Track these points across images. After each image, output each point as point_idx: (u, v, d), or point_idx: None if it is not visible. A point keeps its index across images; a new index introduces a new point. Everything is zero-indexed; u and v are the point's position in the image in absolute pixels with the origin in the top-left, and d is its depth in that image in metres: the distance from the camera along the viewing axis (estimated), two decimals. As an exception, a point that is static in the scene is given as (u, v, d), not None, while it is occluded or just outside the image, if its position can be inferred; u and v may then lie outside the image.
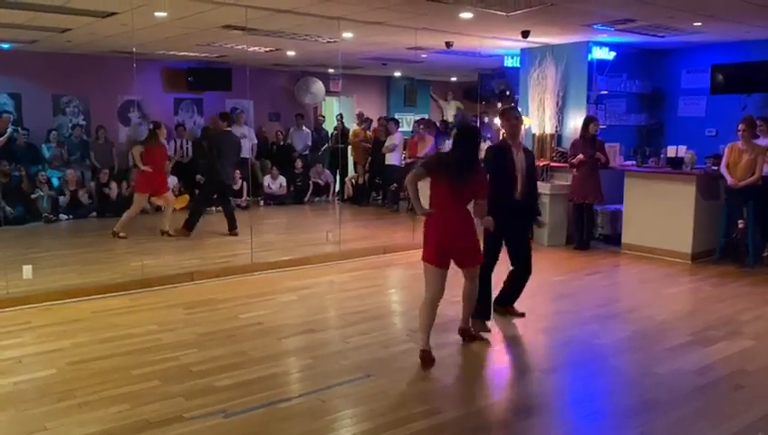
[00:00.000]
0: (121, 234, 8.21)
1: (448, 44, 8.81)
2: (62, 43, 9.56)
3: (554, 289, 6.40)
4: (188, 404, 3.58)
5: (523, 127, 5.19)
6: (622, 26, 7.65)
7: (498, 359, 4.62)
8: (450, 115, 13.39)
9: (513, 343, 4.95)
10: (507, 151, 4.92)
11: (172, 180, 11.15)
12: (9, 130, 10.00)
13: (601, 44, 8.90)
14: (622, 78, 9.30)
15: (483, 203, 4.40)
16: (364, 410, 3.61)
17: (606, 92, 9.20)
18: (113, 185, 10.48)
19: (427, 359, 4.24)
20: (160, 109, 12.05)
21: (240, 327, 4.98)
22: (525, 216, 5.10)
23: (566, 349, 4.70)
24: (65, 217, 9.91)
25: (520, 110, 5.33)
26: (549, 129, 9.14)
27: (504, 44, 9.19)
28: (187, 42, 9.41)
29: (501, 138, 5.48)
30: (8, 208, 9.42)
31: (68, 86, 11.22)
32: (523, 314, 5.34)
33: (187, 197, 10.90)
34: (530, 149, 5.39)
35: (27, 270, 5.99)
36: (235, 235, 8.46)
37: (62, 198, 10.06)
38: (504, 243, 5.05)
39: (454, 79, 14.73)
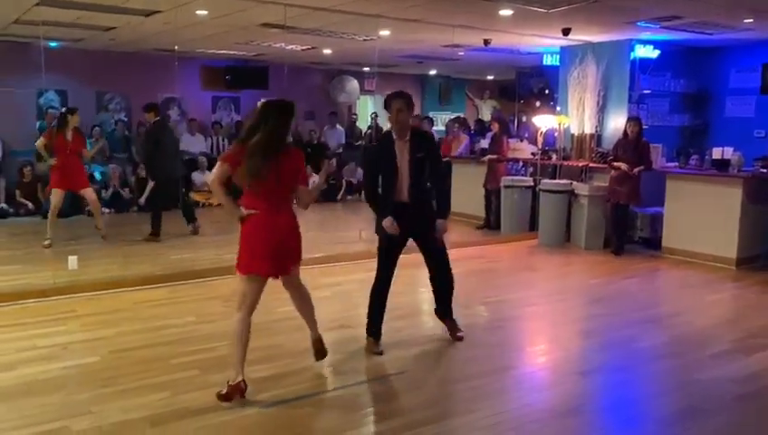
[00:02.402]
0: (46, 242, 7.39)
1: (486, 42, 8.75)
2: (105, 42, 9.80)
3: (590, 292, 6.30)
4: (226, 395, 3.64)
5: (408, 116, 4.30)
6: (667, 24, 7.48)
7: (533, 361, 4.58)
8: (486, 114, 13.31)
9: (548, 345, 4.90)
10: (389, 146, 4.29)
11: (208, 177, 11.34)
12: (54, 124, 10.28)
13: (645, 42, 8.73)
14: (666, 77, 9.11)
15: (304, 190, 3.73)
16: (397, 406, 3.63)
17: (648, 92, 9.03)
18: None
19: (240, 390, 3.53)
20: (199, 106, 12.27)
21: (276, 321, 5.03)
22: (420, 216, 4.38)
23: (603, 352, 4.62)
24: (107, 210, 10.16)
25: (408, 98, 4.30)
26: (588, 129, 9.01)
27: (544, 42, 9.09)
28: (226, 40, 9.55)
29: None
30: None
31: (111, 83, 11.50)
32: (460, 338, 4.66)
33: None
34: (430, 136, 4.71)
35: (73, 261, 6.16)
36: (155, 239, 7.86)
37: (104, 192, 10.31)
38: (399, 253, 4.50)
39: (490, 77, 14.62)
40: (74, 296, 5.53)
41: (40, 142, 7.63)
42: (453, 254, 7.55)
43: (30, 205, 9.76)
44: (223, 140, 12.10)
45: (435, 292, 4.76)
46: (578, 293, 6.32)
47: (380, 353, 4.37)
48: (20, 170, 9.93)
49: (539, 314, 5.62)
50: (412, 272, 6.92)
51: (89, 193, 7.83)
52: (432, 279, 4.70)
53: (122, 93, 11.68)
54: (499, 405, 3.66)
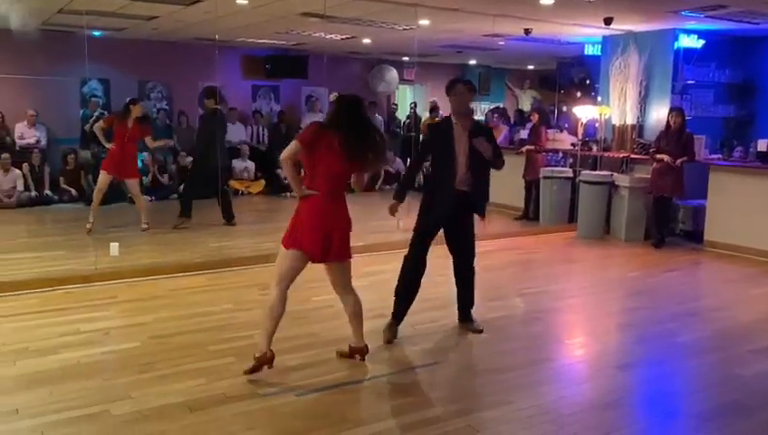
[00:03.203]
0: (88, 226, 7.53)
1: (527, 31, 8.61)
2: (148, 31, 9.96)
3: (630, 285, 6.18)
4: (263, 381, 3.68)
5: (469, 100, 4.35)
6: (712, 13, 7.24)
7: (570, 353, 4.52)
8: (526, 104, 13.13)
9: (586, 337, 4.83)
10: (448, 130, 4.28)
11: (249, 165, 11.50)
12: (97, 113, 10.53)
13: (689, 32, 8.47)
14: (710, 67, 8.83)
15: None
16: (433, 396, 3.62)
17: (692, 82, 8.77)
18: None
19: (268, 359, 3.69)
20: (239, 96, 12.39)
21: (312, 309, 5.08)
22: (467, 207, 4.38)
23: (642, 346, 4.53)
24: (148, 198, 10.36)
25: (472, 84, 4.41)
26: (630, 119, 8.81)
27: (585, 32, 8.90)
28: (267, 29, 9.61)
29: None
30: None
31: (153, 72, 11.69)
32: (480, 331, 4.59)
33: (263, 182, 11.22)
34: (485, 127, 4.65)
35: (114, 247, 6.31)
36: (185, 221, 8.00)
37: (144, 179, 10.53)
38: (444, 239, 4.53)
39: (531, 67, 14.40)
40: (115, 282, 5.67)
41: (98, 125, 7.79)
42: (491, 245, 7.65)
43: (73, 192, 10.02)
44: (263, 129, 12.22)
45: (457, 288, 4.73)
46: (617, 285, 6.20)
47: (389, 341, 4.31)
48: (64, 158, 10.20)
49: (577, 306, 5.54)
50: (449, 262, 6.91)
51: (133, 185, 7.84)
52: (456, 277, 4.66)
53: (164, 82, 11.88)
54: (536, 397, 3.62)
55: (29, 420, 3.20)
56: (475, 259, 4.65)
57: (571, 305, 5.55)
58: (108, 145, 7.64)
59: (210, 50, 11.56)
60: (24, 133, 10.17)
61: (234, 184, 11.06)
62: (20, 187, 9.59)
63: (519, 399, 3.57)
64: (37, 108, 10.22)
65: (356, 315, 3.96)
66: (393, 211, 4.42)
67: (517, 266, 6.89)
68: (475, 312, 5.38)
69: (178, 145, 11.27)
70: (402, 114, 13.59)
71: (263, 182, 11.21)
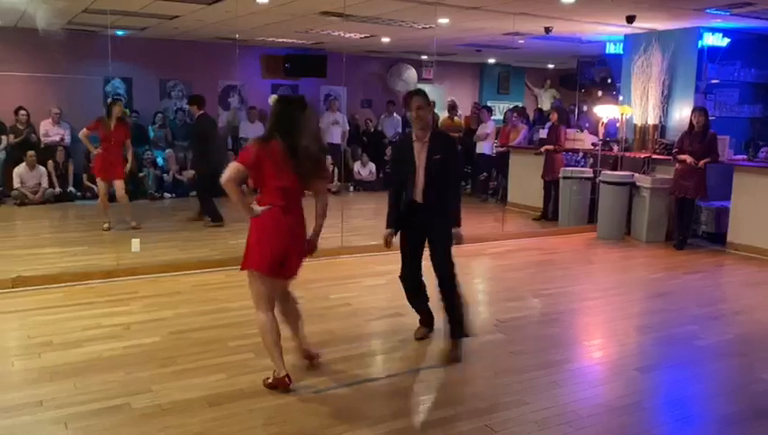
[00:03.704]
0: (105, 226, 7.64)
1: (547, 30, 8.55)
2: (169, 30, 10.06)
3: (650, 287, 6.12)
4: (280, 378, 3.71)
5: (427, 113, 4.15)
6: (739, 10, 7.13)
7: (588, 355, 4.48)
8: (545, 104, 13.04)
9: (605, 339, 4.78)
10: (408, 147, 4.18)
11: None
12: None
13: (714, 30, 8.35)
14: (736, 66, 8.69)
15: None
16: (449, 396, 3.62)
17: (717, 82, 8.64)
18: (213, 166, 10.97)
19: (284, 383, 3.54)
20: (259, 94, 12.46)
21: (329, 307, 5.10)
22: (431, 220, 4.18)
23: (662, 349, 4.49)
24: (168, 195, 10.48)
25: (431, 98, 4.22)
26: (652, 119, 8.71)
27: (607, 30, 8.81)
28: (286, 28, 9.65)
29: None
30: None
31: (174, 71, 11.81)
32: (456, 361, 4.11)
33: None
34: (445, 137, 4.41)
35: (135, 243, 6.39)
36: (199, 219, 8.14)
37: (165, 176, 10.65)
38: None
39: (551, 66, 14.30)
40: (136, 278, 5.74)
41: (83, 132, 7.76)
42: (509, 245, 7.62)
43: (96, 188, 10.14)
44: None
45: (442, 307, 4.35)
46: (637, 287, 6.14)
47: (420, 338, 4.40)
48: (87, 155, 10.33)
49: (596, 307, 5.49)
50: (465, 261, 6.91)
51: (120, 185, 7.76)
52: (440, 291, 4.31)
53: (185, 81, 11.99)
54: (553, 399, 3.60)
55: (53, 412, 3.26)
56: (455, 270, 4.28)
57: (590, 307, 5.50)
58: (95, 151, 7.67)
59: (230, 49, 11.66)
60: (49, 131, 10.33)
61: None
62: (44, 183, 9.74)
63: (536, 400, 3.56)
64: (61, 106, 10.37)
65: (294, 323, 3.75)
66: (388, 242, 4.25)
67: (535, 267, 6.85)
68: (486, 311, 5.36)
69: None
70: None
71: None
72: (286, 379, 3.50)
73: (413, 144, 4.16)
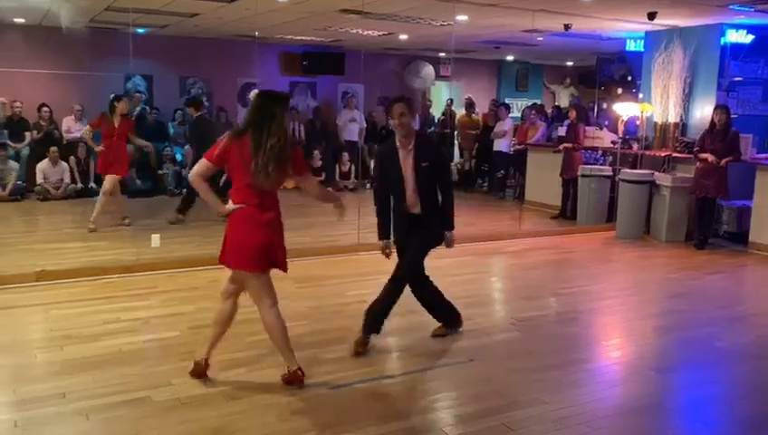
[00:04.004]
0: (125, 221, 7.73)
1: (567, 27, 8.49)
2: (190, 28, 10.15)
3: (670, 287, 6.06)
4: (297, 373, 3.74)
5: (410, 120, 4.06)
6: (763, 7, 7.02)
7: (606, 355, 4.46)
8: (564, 101, 12.95)
9: (623, 339, 4.75)
10: (393, 154, 4.09)
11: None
12: (139, 108, 10.78)
13: (737, 27, 8.23)
14: (759, 63, 8.56)
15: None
16: (466, 394, 3.62)
17: (740, 79, 8.52)
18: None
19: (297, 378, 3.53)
20: (277, 92, 12.51)
21: (346, 304, 5.12)
22: (422, 228, 4.14)
23: (682, 349, 4.45)
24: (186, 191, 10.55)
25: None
26: (673, 117, 8.62)
27: (627, 27, 8.73)
28: (305, 26, 9.68)
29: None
30: (138, 181, 10.21)
31: (193, 69, 11.91)
32: (359, 353, 4.09)
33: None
34: (436, 143, 4.43)
35: (155, 239, 6.47)
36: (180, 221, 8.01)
37: (184, 172, 10.74)
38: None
39: (569, 63, 14.19)
40: (156, 273, 5.81)
41: (86, 130, 7.80)
42: (527, 243, 7.59)
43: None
44: (299, 126, 12.32)
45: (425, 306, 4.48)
46: (656, 287, 6.08)
47: (360, 354, 4.06)
48: (91, 152, 10.42)
49: (614, 307, 5.45)
50: (482, 259, 6.90)
51: (113, 179, 7.61)
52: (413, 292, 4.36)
53: (204, 78, 12.09)
54: (570, 398, 3.59)
55: (75, 404, 3.32)
56: (409, 277, 4.26)
57: (609, 306, 5.46)
58: (98, 148, 7.66)
59: (249, 47, 11.73)
60: (71, 127, 10.47)
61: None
62: (67, 179, 9.88)
63: (553, 399, 3.55)
64: (83, 103, 10.50)
65: (224, 323, 3.63)
66: (387, 254, 4.22)
67: (553, 266, 6.82)
68: (503, 309, 5.35)
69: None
70: (437, 111, 13.53)
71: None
72: (299, 372, 3.52)
73: (398, 152, 4.08)
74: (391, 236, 4.24)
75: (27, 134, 10.21)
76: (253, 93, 3.64)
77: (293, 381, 3.54)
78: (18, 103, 10.11)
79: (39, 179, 9.65)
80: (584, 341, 4.65)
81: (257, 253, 3.37)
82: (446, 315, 4.50)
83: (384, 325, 4.22)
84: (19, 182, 9.68)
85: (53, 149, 9.84)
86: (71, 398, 3.36)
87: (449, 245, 4.22)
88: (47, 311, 4.82)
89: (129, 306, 4.91)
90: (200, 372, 3.60)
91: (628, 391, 3.78)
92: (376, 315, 4.18)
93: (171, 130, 11.31)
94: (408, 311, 5.01)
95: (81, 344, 4.12)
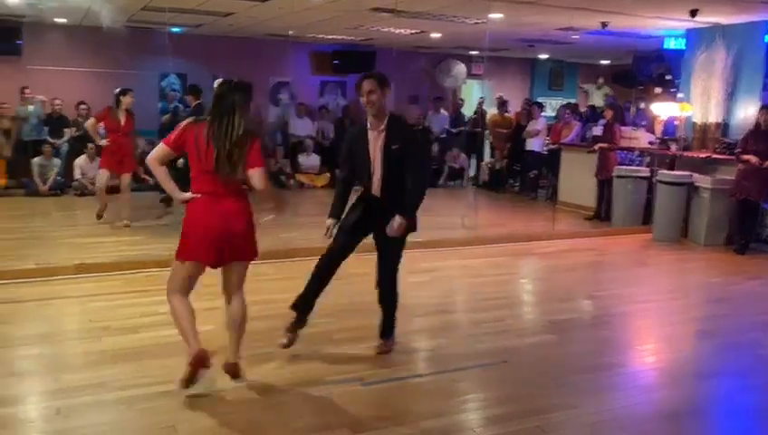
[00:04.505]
0: (125, 222, 7.54)
1: (604, 25, 8.35)
2: (224, 27, 10.26)
3: (709, 291, 5.92)
4: (328, 369, 3.76)
5: (381, 98, 3.74)
6: (810, 3, 6.81)
7: (642, 360, 4.37)
8: (597, 101, 12.75)
9: (660, 344, 4.65)
10: (362, 135, 3.85)
11: (313, 159, 11.67)
12: (173, 105, 10.92)
13: (783, 24, 8.00)
14: (806, 62, 8.30)
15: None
16: (498, 395, 3.57)
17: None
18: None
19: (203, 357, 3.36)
20: (307, 91, 12.60)
21: (374, 302, 5.07)
22: (386, 217, 3.79)
23: (721, 356, 4.33)
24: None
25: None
26: (714, 117, 8.40)
27: (667, 24, 8.55)
28: (336, 25, 9.71)
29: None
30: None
31: (226, 68, 11.99)
32: (386, 351, 4.04)
33: (328, 175, 11.38)
34: (409, 125, 4.10)
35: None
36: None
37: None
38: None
39: (605, 62, 13.97)
40: (190, 268, 5.87)
41: (90, 122, 7.65)
42: (561, 245, 7.49)
43: (151, 180, 10.41)
44: (328, 124, 12.37)
45: (380, 305, 4.12)
46: (695, 291, 5.94)
47: (286, 345, 3.91)
48: (97, 148, 10.54)
49: (651, 311, 5.34)
50: (514, 261, 6.83)
51: (125, 178, 7.62)
52: (378, 291, 4.09)
53: (237, 78, 12.18)
54: (605, 403, 3.52)
55: (113, 393, 3.38)
56: (398, 277, 4.09)
57: (645, 310, 5.35)
58: (101, 142, 7.52)
59: (280, 46, 11.83)
60: (108, 124, 10.65)
61: (299, 177, 11.31)
62: (103, 174, 10.05)
63: (588, 403, 3.49)
64: (120, 100, 10.70)
65: (236, 324, 3.53)
66: (329, 232, 3.95)
67: (588, 268, 6.71)
68: (535, 311, 5.28)
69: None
70: (469, 110, 13.44)
71: (327, 175, 11.38)
72: (200, 352, 3.30)
73: (367, 133, 3.82)
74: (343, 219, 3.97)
75: (66, 131, 10.44)
76: (216, 82, 3.53)
77: (196, 369, 3.31)
78: (58, 101, 10.35)
79: (77, 175, 9.86)
80: (619, 344, 4.57)
81: (205, 242, 3.31)
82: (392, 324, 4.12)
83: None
84: (58, 178, 9.90)
85: (91, 145, 10.03)
86: (109, 387, 3.41)
87: (391, 230, 3.74)
88: (86, 303, 4.92)
89: (165, 299, 4.96)
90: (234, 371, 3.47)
91: (665, 397, 3.69)
92: (391, 325, 4.09)
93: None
94: (440, 311, 5.00)
95: (118, 336, 4.20)
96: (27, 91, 10.20)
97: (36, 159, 9.80)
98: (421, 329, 4.64)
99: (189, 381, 3.29)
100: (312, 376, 3.65)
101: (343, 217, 3.98)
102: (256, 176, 3.32)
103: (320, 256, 3.99)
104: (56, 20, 10.11)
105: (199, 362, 3.30)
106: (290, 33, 8.93)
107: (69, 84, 10.80)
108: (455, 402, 3.51)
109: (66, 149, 10.40)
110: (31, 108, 10.23)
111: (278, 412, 3.26)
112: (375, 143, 3.79)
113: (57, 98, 10.33)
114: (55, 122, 10.39)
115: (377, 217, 3.84)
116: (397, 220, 3.73)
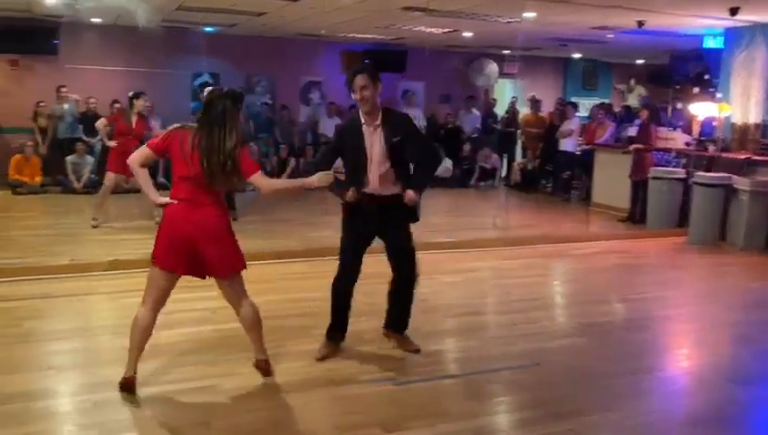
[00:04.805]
0: (93, 222, 7.35)
1: (640, 24, 8.20)
2: (256, 27, 10.35)
3: (749, 296, 5.76)
4: (361, 368, 3.76)
5: (374, 93, 3.66)
6: None
7: (677, 364, 4.27)
8: (632, 101, 12.54)
9: (696, 349, 4.54)
10: (356, 131, 3.73)
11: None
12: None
13: (826, 22, 7.76)
14: None
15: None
16: (530, 398, 3.53)
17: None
18: (291, 160, 11.22)
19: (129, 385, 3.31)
20: (337, 90, 12.60)
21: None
22: (389, 211, 3.78)
23: (761, 361, 4.22)
24: (251, 186, 10.75)
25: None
26: (753, 118, 8.21)
27: (706, 23, 8.35)
28: (368, 24, 9.71)
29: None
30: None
31: (258, 67, 12.14)
32: (417, 350, 3.99)
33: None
34: (405, 115, 3.96)
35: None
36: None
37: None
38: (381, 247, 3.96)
39: (640, 61, 13.72)
40: (223, 265, 5.92)
41: (100, 123, 7.60)
42: (594, 246, 7.37)
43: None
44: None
45: (391, 302, 4.04)
46: (733, 295, 5.79)
47: (322, 358, 3.84)
48: (104, 149, 10.62)
49: (687, 315, 5.22)
50: (548, 262, 6.75)
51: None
52: (391, 290, 4.01)
53: (268, 77, 12.30)
54: (640, 407, 3.45)
55: (147, 388, 3.41)
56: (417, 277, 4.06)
57: (681, 314, 5.24)
58: (110, 143, 7.39)
59: (311, 45, 11.88)
60: (143, 123, 10.82)
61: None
62: (137, 173, 10.21)
63: (623, 407, 3.43)
64: (154, 100, 10.86)
65: (249, 325, 3.51)
66: (352, 196, 3.76)
67: (622, 270, 6.59)
68: (569, 313, 5.21)
69: (280, 138, 11.65)
70: (501, 109, 13.32)
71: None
72: (126, 382, 3.29)
73: (362, 129, 3.71)
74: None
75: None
76: (206, 91, 3.49)
77: (122, 386, 3.30)
78: (93, 99, 10.53)
79: (111, 173, 10.01)
80: (654, 348, 4.48)
81: (173, 250, 3.26)
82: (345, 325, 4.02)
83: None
84: (92, 176, 10.08)
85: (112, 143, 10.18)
86: (143, 382, 3.44)
87: (409, 199, 3.72)
88: (119, 299, 4.99)
89: (198, 296, 4.97)
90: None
91: (700, 403, 3.62)
92: (406, 317, 4.07)
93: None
94: (472, 312, 4.96)
95: (152, 332, 4.24)
96: (63, 89, 10.41)
97: (70, 158, 10.00)
98: (453, 330, 4.61)
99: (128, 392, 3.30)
100: (344, 375, 3.65)
101: (345, 236, 3.93)
102: (258, 181, 3.33)
103: (333, 280, 3.93)
104: (92, 20, 10.30)
105: (125, 388, 3.29)
106: (322, 32, 8.94)
107: (104, 83, 11.00)
108: (486, 404, 3.48)
109: (100, 148, 10.58)
110: (66, 106, 10.45)
111: (309, 410, 3.26)
112: (372, 139, 3.70)
113: (92, 96, 10.53)
114: (90, 121, 10.52)
115: (377, 220, 3.79)
116: (410, 193, 3.71)
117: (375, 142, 3.70)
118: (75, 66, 10.78)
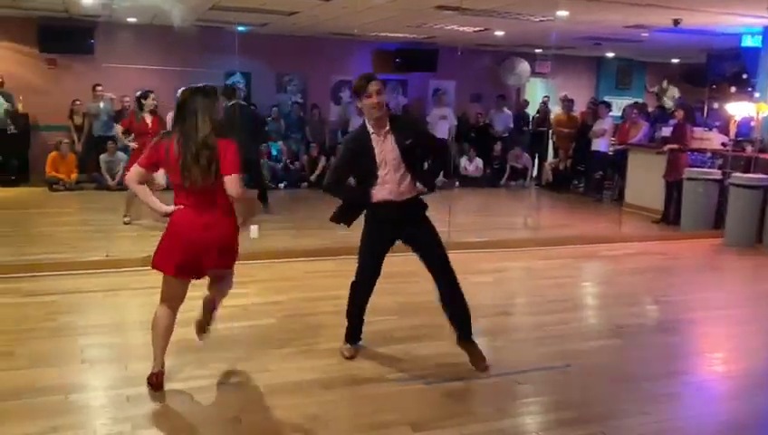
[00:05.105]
0: (125, 219, 7.53)
1: (676, 22, 8.04)
2: (288, 26, 10.42)
3: (786, 299, 5.61)
4: (390, 367, 3.76)
5: (377, 103, 3.58)
6: None
7: (712, 368, 4.18)
8: (666, 101, 12.31)
9: (732, 353, 4.43)
10: (365, 142, 3.66)
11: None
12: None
13: None
14: None
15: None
16: (561, 400, 3.49)
17: None
18: (322, 159, 11.27)
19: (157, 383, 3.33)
20: (369, 89, 12.63)
21: (434, 300, 5.05)
22: (412, 215, 3.76)
23: (802, 368, 4.10)
24: (281, 184, 10.84)
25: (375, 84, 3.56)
26: (793, 118, 7.98)
27: (744, 21, 8.15)
28: (399, 23, 9.70)
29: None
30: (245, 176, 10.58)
31: (290, 66, 12.22)
32: (485, 369, 3.75)
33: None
34: (412, 116, 3.86)
35: (254, 230, 6.64)
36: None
37: (278, 167, 11.05)
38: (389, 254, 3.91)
39: (675, 60, 13.46)
40: (254, 263, 5.95)
41: (118, 129, 7.68)
42: (628, 248, 7.27)
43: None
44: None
45: (446, 310, 3.88)
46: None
47: (348, 357, 3.85)
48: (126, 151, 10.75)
49: (722, 318, 5.10)
50: (580, 263, 6.66)
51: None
52: (441, 298, 3.89)
53: (299, 76, 12.38)
54: (673, 411, 3.40)
55: (179, 383, 3.47)
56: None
57: (716, 317, 5.12)
58: (132, 144, 7.42)
59: (342, 44, 11.91)
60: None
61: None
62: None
63: (655, 411, 3.37)
64: (187, 98, 11.03)
65: (216, 299, 3.64)
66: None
67: (656, 272, 6.47)
68: (602, 315, 5.12)
69: (310, 136, 11.72)
70: (533, 109, 13.20)
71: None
72: (153, 378, 3.30)
73: (370, 138, 3.64)
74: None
75: (135, 127, 10.80)
76: (179, 92, 3.41)
77: (149, 382, 3.32)
78: (127, 98, 10.71)
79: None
80: (688, 352, 4.40)
81: (175, 259, 3.26)
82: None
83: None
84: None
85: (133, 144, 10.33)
86: (175, 378, 3.51)
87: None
88: (152, 294, 5.00)
89: (230, 293, 5.08)
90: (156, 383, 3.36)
91: (735, 408, 3.54)
92: (468, 322, 3.90)
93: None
94: (503, 312, 4.94)
95: (184, 327, 4.26)
96: (99, 88, 10.63)
97: (103, 156, 10.21)
98: (484, 330, 4.56)
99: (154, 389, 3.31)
100: (374, 373, 3.66)
101: (364, 244, 3.89)
102: (230, 182, 3.19)
103: (352, 284, 3.95)
104: (128, 19, 10.50)
105: (153, 383, 3.30)
106: (354, 31, 8.96)
107: (138, 82, 11.12)
108: (517, 405, 3.45)
109: (135, 146, 10.75)
110: (101, 105, 10.67)
111: (339, 408, 3.28)
112: (383, 146, 3.64)
113: (126, 95, 10.71)
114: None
115: (397, 225, 3.75)
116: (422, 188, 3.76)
117: (387, 149, 3.64)
118: (111, 65, 10.97)
